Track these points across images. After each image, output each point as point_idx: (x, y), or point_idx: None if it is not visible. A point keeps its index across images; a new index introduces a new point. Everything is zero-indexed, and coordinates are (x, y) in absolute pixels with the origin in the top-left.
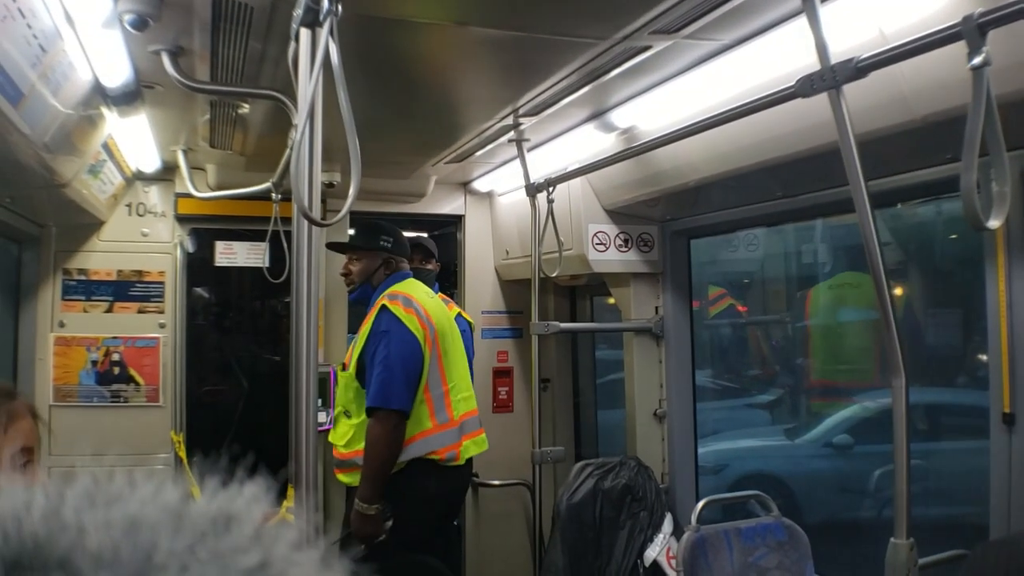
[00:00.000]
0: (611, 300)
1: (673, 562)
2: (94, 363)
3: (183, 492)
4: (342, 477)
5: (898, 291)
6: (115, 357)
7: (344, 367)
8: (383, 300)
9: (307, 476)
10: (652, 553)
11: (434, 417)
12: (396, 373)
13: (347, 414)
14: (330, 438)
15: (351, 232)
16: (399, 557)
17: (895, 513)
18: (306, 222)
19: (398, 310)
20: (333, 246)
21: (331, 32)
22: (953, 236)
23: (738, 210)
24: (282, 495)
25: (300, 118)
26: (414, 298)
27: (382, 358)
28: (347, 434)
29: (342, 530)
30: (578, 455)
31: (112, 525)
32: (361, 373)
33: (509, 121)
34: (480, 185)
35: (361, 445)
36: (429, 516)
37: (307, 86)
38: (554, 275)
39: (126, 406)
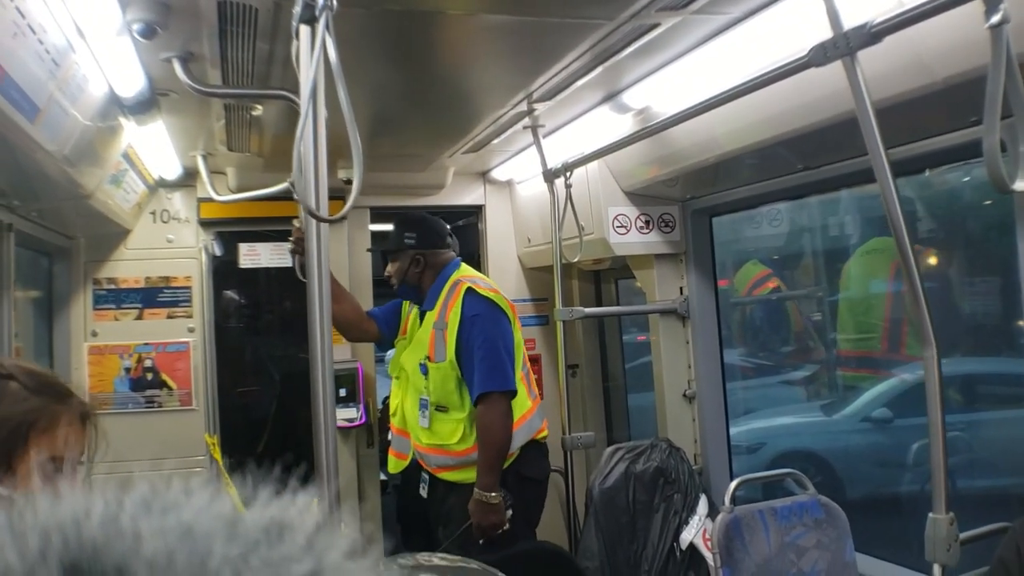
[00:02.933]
0: (639, 284)
1: (709, 543)
2: (127, 370)
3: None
4: (451, 475)
5: (932, 260)
6: (147, 363)
7: (430, 359)
8: (465, 284)
9: (327, 468)
10: (688, 536)
11: (529, 395)
12: (500, 354)
13: (442, 408)
14: (429, 439)
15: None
16: (524, 544)
17: (933, 487)
18: (313, 221)
19: (483, 291)
20: (381, 250)
21: (327, 27)
22: (987, 202)
23: (759, 185)
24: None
25: (302, 114)
26: (487, 279)
27: (482, 341)
28: (456, 431)
29: (447, 533)
30: (610, 439)
31: (167, 532)
32: (459, 361)
33: (523, 107)
34: (499, 174)
35: (475, 439)
36: (543, 498)
37: (307, 82)
38: (576, 260)
39: (160, 411)
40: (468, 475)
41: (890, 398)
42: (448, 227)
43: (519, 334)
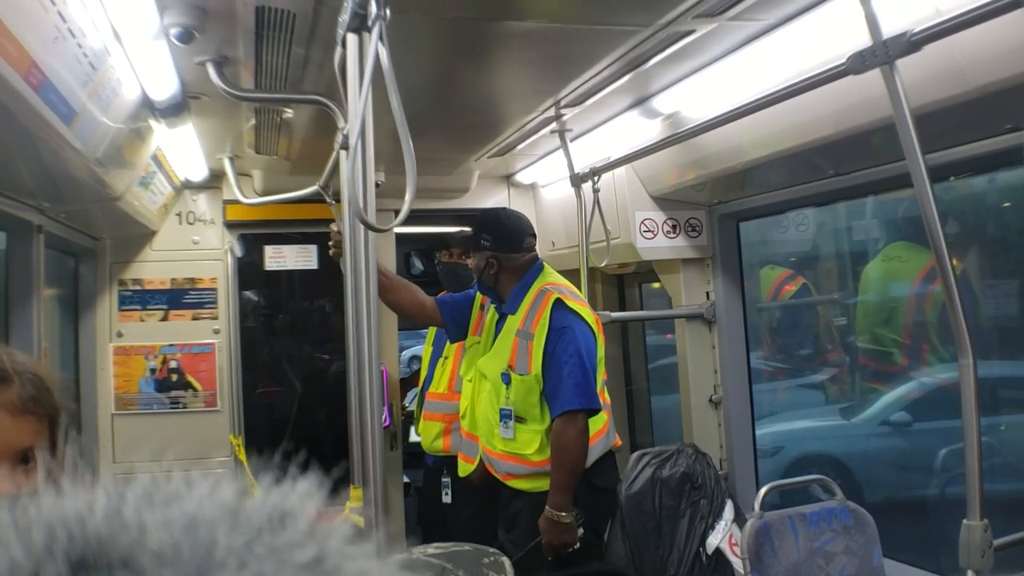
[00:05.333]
0: (655, 285)
1: (736, 549)
2: (152, 371)
3: (238, 490)
4: (521, 484)
5: (953, 262)
6: (172, 364)
7: (512, 368)
8: (554, 295)
9: (374, 477)
10: (714, 541)
11: (604, 408)
12: (587, 370)
13: (520, 419)
14: (504, 446)
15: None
16: (594, 565)
17: (968, 494)
18: (362, 227)
19: (572, 303)
20: (461, 242)
21: (380, 37)
22: (1006, 204)
23: (788, 190)
24: (337, 493)
25: (352, 126)
26: (573, 288)
27: (569, 356)
28: (534, 441)
29: (511, 538)
30: (632, 443)
31: (172, 523)
32: (543, 374)
33: (551, 113)
34: (523, 177)
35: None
36: (614, 507)
37: (356, 92)
38: (603, 265)
39: (185, 412)
40: (538, 484)
41: (909, 402)
42: (530, 226)
43: (602, 349)
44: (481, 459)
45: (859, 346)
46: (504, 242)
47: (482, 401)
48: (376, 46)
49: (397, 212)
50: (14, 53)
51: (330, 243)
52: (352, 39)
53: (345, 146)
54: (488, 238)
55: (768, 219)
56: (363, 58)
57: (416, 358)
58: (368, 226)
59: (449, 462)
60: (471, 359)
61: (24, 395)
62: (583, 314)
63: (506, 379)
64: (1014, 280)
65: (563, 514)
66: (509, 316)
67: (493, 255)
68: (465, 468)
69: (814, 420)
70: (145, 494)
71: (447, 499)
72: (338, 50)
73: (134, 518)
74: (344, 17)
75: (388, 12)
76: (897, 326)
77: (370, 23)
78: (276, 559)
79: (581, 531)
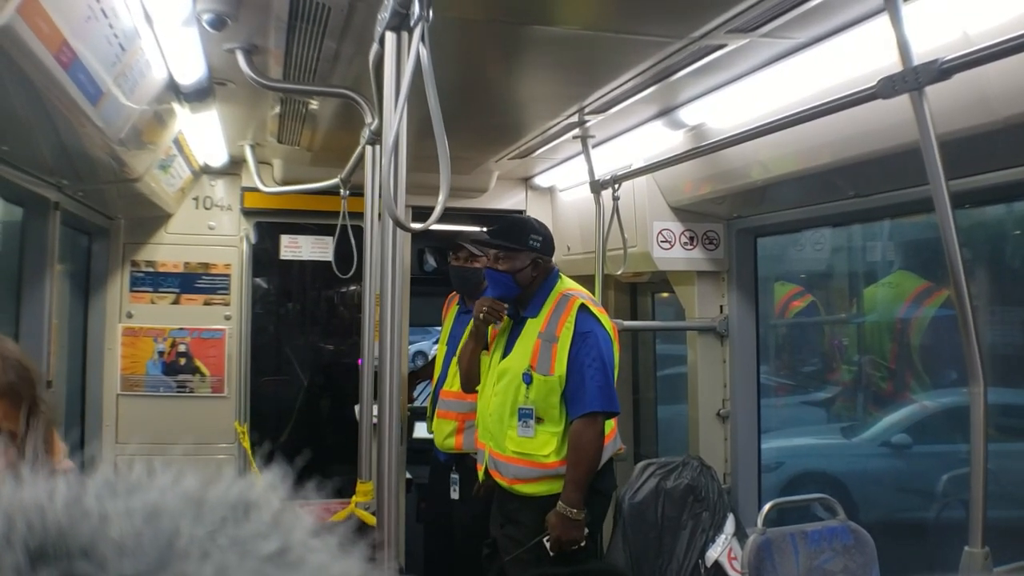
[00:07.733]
0: (664, 294)
1: (735, 563)
2: (161, 354)
3: (202, 480)
4: (528, 488)
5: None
6: (181, 348)
7: (533, 368)
8: (579, 300)
9: (389, 474)
10: (714, 554)
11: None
12: (609, 375)
13: (538, 420)
14: (516, 448)
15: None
16: (595, 564)
17: (970, 521)
18: (391, 226)
19: (594, 310)
20: (480, 242)
21: (422, 37)
22: (1017, 232)
23: (807, 209)
24: (341, 488)
25: (389, 123)
26: (590, 294)
27: (593, 359)
28: (549, 443)
29: (508, 532)
30: (637, 453)
31: (133, 513)
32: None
33: (575, 119)
34: (542, 180)
35: (565, 453)
36: (607, 512)
37: (392, 90)
38: (619, 273)
39: (191, 396)
40: (546, 488)
41: (909, 425)
42: None
43: (618, 356)
44: (487, 466)
45: (864, 365)
46: (548, 245)
47: (494, 404)
48: (417, 46)
49: (412, 208)
50: (47, 31)
51: (482, 311)
52: (391, 37)
53: (372, 141)
54: (538, 239)
55: (784, 236)
56: (401, 57)
57: (420, 354)
58: (401, 226)
59: (459, 459)
60: (488, 368)
61: (3, 380)
62: (604, 321)
63: (527, 379)
64: (1015, 309)
65: (575, 510)
66: (529, 320)
67: (540, 256)
68: (480, 475)
69: (814, 437)
70: (107, 483)
71: (455, 495)
72: (374, 47)
73: (95, 507)
74: (384, 15)
75: (431, 13)
76: (891, 348)
77: (412, 23)
78: (239, 550)
79: (586, 530)
